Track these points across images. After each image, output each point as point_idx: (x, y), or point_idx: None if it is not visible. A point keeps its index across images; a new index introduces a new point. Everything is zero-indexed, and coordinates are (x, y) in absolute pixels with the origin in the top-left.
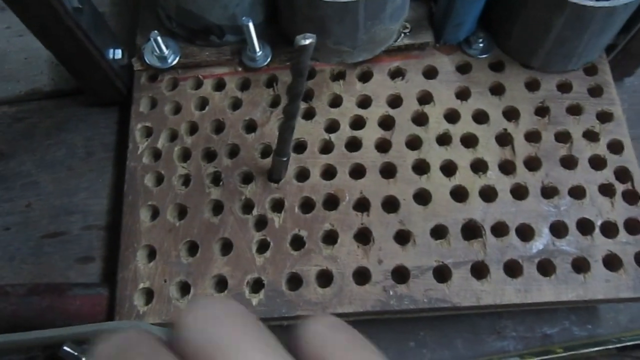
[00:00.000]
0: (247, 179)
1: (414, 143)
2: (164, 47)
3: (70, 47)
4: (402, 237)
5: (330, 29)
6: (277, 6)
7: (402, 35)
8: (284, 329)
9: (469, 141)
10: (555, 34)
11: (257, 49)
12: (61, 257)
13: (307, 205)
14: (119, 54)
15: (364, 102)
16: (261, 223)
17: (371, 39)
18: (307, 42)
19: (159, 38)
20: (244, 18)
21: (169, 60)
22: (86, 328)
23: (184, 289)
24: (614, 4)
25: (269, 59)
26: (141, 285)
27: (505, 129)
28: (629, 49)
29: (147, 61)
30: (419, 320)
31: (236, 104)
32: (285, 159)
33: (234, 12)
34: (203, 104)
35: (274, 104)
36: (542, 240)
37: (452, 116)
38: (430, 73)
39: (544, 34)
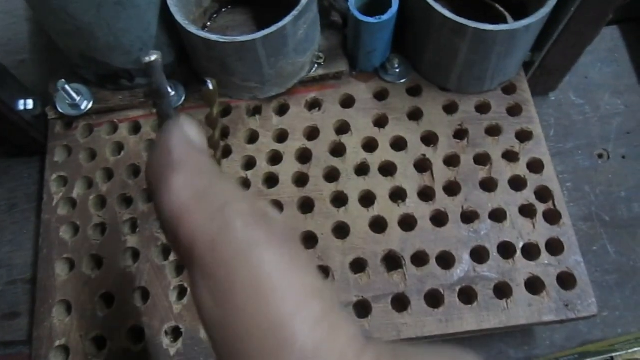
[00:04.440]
0: None
1: (331, 175)
2: (74, 95)
3: None
4: (321, 273)
5: (233, 67)
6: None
7: (316, 65)
8: None
9: (388, 169)
10: (463, 57)
11: (169, 89)
12: None
13: None
14: (30, 104)
15: (281, 136)
16: (179, 268)
17: (279, 73)
18: (153, 58)
19: (67, 86)
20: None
21: (82, 107)
22: None
23: (100, 343)
24: (513, 26)
25: (182, 99)
26: (57, 343)
27: (424, 155)
28: (545, 66)
29: (60, 109)
30: None
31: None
32: None
33: (138, 56)
34: (119, 148)
35: (209, 139)
36: (462, 267)
37: (370, 145)
38: (347, 102)
39: (453, 58)
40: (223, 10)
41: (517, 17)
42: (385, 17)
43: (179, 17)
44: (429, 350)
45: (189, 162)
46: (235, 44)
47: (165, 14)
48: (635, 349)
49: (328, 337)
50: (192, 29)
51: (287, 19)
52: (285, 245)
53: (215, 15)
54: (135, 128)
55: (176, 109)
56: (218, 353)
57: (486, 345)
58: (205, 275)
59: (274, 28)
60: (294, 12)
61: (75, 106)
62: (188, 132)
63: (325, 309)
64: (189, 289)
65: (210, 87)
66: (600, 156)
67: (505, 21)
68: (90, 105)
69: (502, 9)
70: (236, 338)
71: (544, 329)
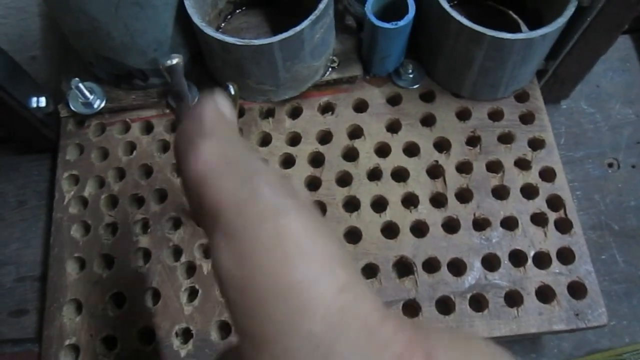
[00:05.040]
0: (175, 224)
1: (344, 179)
2: (87, 93)
3: None
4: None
5: (249, 69)
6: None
7: (330, 69)
8: None
9: (400, 175)
10: (478, 65)
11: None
12: None
13: None
14: (42, 102)
15: (294, 140)
16: (190, 270)
17: (294, 77)
18: (175, 61)
19: (80, 85)
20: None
21: (95, 106)
22: None
23: (111, 343)
24: (530, 35)
25: (196, 100)
26: (67, 342)
27: (437, 161)
28: (558, 74)
29: (72, 108)
30: None
31: (165, 147)
32: None
33: (153, 56)
34: (131, 148)
35: None
36: (473, 275)
37: (382, 150)
38: (361, 106)
39: (468, 65)
40: (237, 11)
41: (532, 24)
42: (402, 22)
43: (196, 19)
44: (455, 337)
45: (220, 131)
46: (252, 47)
47: (181, 15)
48: None
49: (352, 303)
50: (209, 31)
51: (305, 23)
52: (310, 216)
53: (229, 17)
54: (148, 128)
55: None
56: (236, 318)
57: None
58: (228, 236)
59: (291, 32)
60: (312, 17)
61: (88, 105)
62: (221, 106)
63: (350, 278)
64: (200, 291)
65: (232, 91)
66: (610, 165)
67: (519, 28)
68: (103, 104)
69: (516, 16)
70: (256, 300)
71: (552, 337)
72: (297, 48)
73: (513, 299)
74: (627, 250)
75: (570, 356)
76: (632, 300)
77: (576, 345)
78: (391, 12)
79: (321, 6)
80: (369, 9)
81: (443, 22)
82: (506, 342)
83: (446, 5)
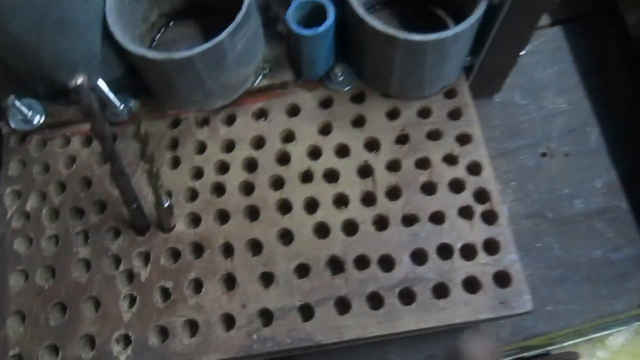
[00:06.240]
0: (115, 233)
1: (277, 183)
2: (25, 110)
3: None
4: (266, 279)
5: (175, 82)
6: None
7: (261, 76)
8: None
9: (331, 176)
10: (399, 65)
11: (117, 103)
12: None
13: (173, 256)
14: None
15: (229, 146)
16: (129, 277)
17: (222, 86)
18: (79, 81)
19: (17, 102)
20: (91, 79)
21: (34, 122)
22: None
23: (54, 352)
24: (441, 36)
25: (133, 111)
26: (11, 353)
27: (366, 161)
28: (484, 70)
29: (12, 125)
30: (307, 355)
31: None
32: (134, 205)
33: (85, 72)
34: (71, 161)
35: (142, 155)
36: (402, 269)
37: (314, 152)
38: (293, 111)
39: (390, 66)
40: (171, 23)
41: (459, 22)
42: (321, 29)
43: (119, 36)
44: None
45: None
46: (172, 61)
47: (109, 30)
48: (570, 342)
49: None
50: (131, 47)
51: (223, 35)
52: None
53: (163, 29)
54: (88, 141)
55: (120, 124)
56: None
57: (433, 341)
58: None
59: (210, 44)
60: (229, 29)
61: (28, 121)
62: None
63: None
64: (138, 298)
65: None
66: (544, 155)
67: (446, 27)
68: (42, 120)
69: (443, 15)
70: None
71: (490, 324)
72: (219, 58)
73: (441, 291)
74: (561, 237)
75: (508, 342)
76: (567, 285)
77: (513, 331)
78: (315, 18)
79: (238, 18)
80: (290, 16)
81: (360, 26)
82: (445, 331)
83: (360, 11)
